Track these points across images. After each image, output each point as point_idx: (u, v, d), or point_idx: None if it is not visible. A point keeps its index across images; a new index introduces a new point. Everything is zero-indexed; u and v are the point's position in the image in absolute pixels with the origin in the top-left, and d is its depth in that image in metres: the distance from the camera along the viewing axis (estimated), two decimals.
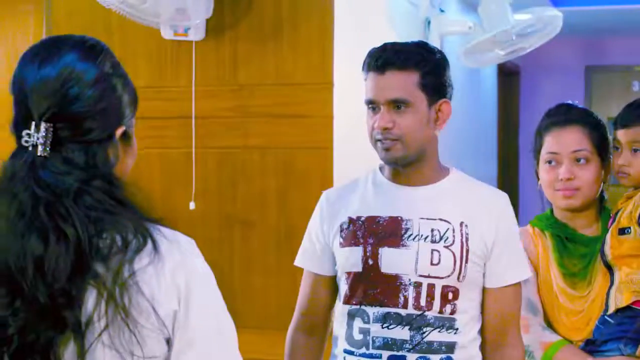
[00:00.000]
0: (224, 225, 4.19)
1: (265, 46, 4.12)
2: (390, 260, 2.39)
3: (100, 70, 1.61)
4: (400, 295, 2.37)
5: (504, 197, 2.50)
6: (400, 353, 2.36)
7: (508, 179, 8.07)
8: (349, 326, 2.44)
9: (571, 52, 8.95)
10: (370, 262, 2.40)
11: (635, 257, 2.57)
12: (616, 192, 2.80)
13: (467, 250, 2.38)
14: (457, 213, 2.41)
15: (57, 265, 1.48)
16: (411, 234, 2.39)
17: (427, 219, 2.40)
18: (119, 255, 1.52)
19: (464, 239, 2.39)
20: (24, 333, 1.49)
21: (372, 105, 2.42)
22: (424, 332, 2.36)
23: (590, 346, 2.63)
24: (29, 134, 1.57)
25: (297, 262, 2.61)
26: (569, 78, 8.98)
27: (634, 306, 2.56)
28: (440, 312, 2.37)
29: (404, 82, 2.38)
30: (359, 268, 2.42)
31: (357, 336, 2.41)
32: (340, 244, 2.47)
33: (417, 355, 2.36)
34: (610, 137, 2.78)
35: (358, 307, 2.42)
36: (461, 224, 2.40)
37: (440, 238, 2.38)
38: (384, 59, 2.40)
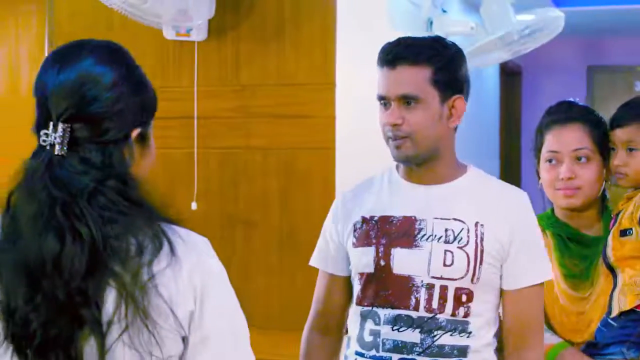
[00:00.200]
0: (226, 226, 4.20)
1: (267, 46, 4.12)
2: (402, 261, 2.33)
3: (117, 74, 1.65)
4: (412, 297, 2.31)
5: (522, 196, 2.41)
6: (410, 356, 2.30)
7: (510, 178, 8.06)
8: (361, 327, 2.39)
9: (573, 52, 8.95)
10: (382, 262, 2.35)
11: (638, 259, 2.53)
12: (618, 192, 2.75)
13: (482, 251, 2.31)
14: (473, 212, 2.34)
15: (73, 264, 1.53)
16: (424, 234, 2.33)
17: (441, 218, 2.34)
18: (137, 257, 1.56)
19: (478, 240, 2.32)
20: (46, 329, 1.53)
21: (383, 101, 2.37)
22: (435, 336, 2.30)
23: (591, 349, 2.59)
24: (46, 134, 1.61)
25: (312, 262, 2.58)
26: (571, 78, 8.98)
27: (637, 309, 2.51)
28: (453, 314, 2.30)
29: (414, 78, 2.32)
30: (371, 269, 2.37)
31: (368, 338, 2.36)
32: (354, 244, 2.42)
33: (428, 358, 2.29)
34: None
35: (370, 308, 2.37)
36: (476, 223, 2.33)
37: (454, 238, 2.32)
38: (394, 53, 2.34)
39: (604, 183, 2.74)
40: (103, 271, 1.55)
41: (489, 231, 2.32)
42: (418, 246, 2.33)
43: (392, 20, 3.84)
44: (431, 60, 2.32)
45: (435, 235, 2.33)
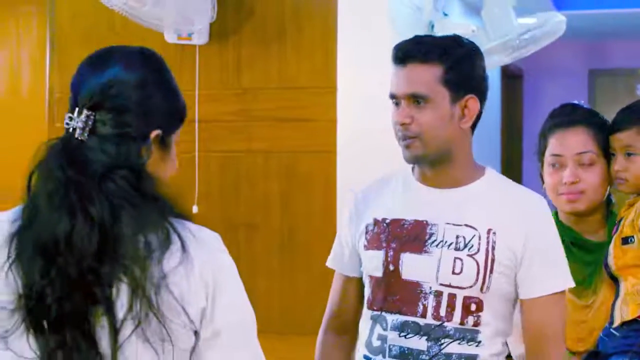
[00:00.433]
0: (227, 229, 4.19)
1: (268, 50, 4.12)
2: (411, 266, 2.28)
3: (144, 77, 1.76)
4: (420, 303, 2.26)
5: (539, 201, 2.33)
6: None
7: None
8: (371, 331, 2.34)
9: (575, 56, 8.95)
10: (391, 267, 2.30)
11: None
12: (624, 196, 2.69)
13: (493, 260, 2.24)
14: (486, 219, 2.27)
15: (84, 243, 1.60)
16: (435, 240, 2.27)
17: (453, 224, 2.28)
18: (145, 252, 1.63)
19: (489, 248, 2.24)
20: (61, 304, 1.60)
21: (395, 99, 2.30)
22: (442, 344, 2.24)
23: (593, 359, 2.54)
24: (70, 117, 1.72)
25: (328, 263, 2.53)
26: (573, 81, 8.98)
27: None
28: (462, 323, 2.24)
29: (424, 76, 2.25)
30: (380, 273, 2.32)
31: (376, 342, 2.32)
32: (365, 246, 2.37)
33: None
34: None
35: (379, 313, 2.32)
36: (488, 231, 2.25)
37: (465, 246, 2.25)
38: (405, 50, 2.28)
39: (608, 187, 2.67)
40: (114, 257, 1.62)
41: (501, 239, 2.25)
42: (428, 252, 2.27)
43: (394, 23, 3.84)
44: (442, 58, 2.25)
45: (446, 242, 2.27)
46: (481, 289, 2.24)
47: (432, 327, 2.25)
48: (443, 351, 2.24)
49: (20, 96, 5.11)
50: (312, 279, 3.98)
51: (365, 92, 3.96)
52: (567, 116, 2.69)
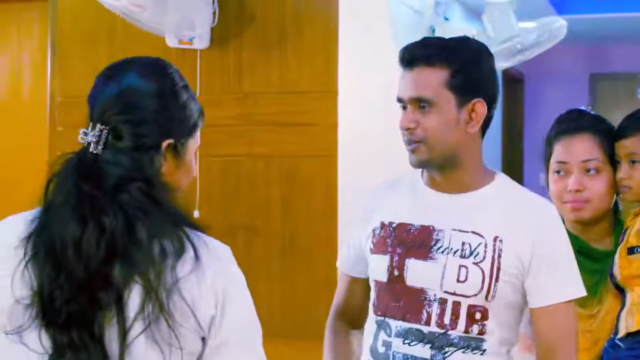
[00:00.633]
0: (228, 233, 4.19)
1: (269, 54, 4.13)
2: (416, 272, 2.23)
3: (156, 87, 1.81)
4: (424, 311, 2.22)
5: (548, 208, 2.28)
6: None
7: None
8: (375, 337, 2.30)
9: (576, 60, 8.95)
10: (396, 272, 2.25)
11: None
12: (632, 204, 2.61)
13: (498, 269, 2.18)
14: (493, 226, 2.21)
15: (91, 249, 1.66)
16: (441, 246, 2.22)
17: (460, 230, 2.22)
18: (160, 258, 1.68)
19: (495, 256, 2.19)
20: (69, 306, 1.66)
21: (401, 103, 2.24)
22: (446, 352, 2.19)
23: None
24: (85, 132, 1.78)
25: (337, 264, 2.50)
26: (574, 86, 8.98)
27: None
28: (466, 331, 2.19)
29: (428, 80, 2.19)
30: (384, 278, 2.28)
31: (380, 349, 2.28)
32: (371, 250, 2.33)
33: None
34: None
35: (383, 318, 2.28)
36: (495, 238, 2.20)
37: (470, 253, 2.20)
38: (411, 53, 2.23)
39: (615, 195, 2.61)
40: (128, 263, 1.67)
41: (508, 247, 2.19)
42: (433, 258, 2.23)
43: (394, 28, 3.84)
44: (448, 61, 2.20)
45: (452, 249, 2.22)
46: (486, 298, 2.19)
47: (436, 335, 2.21)
48: (447, 359, 2.20)
49: (21, 100, 5.12)
50: (313, 282, 3.98)
51: (366, 96, 3.96)
52: (573, 122, 2.62)
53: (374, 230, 2.34)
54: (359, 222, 2.42)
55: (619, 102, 8.62)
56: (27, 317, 1.68)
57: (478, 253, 2.20)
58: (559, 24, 4.15)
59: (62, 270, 1.67)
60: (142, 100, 1.79)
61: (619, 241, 2.53)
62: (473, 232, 2.22)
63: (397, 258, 2.26)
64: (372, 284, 2.35)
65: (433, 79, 2.19)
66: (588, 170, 2.56)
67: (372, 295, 2.35)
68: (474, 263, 2.19)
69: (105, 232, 1.67)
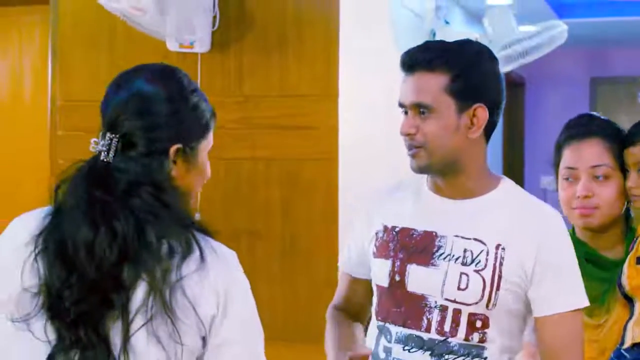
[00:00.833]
0: (230, 236, 4.16)
1: (270, 58, 4.13)
2: (417, 278, 2.21)
3: (163, 93, 1.85)
4: (424, 317, 2.20)
5: (553, 216, 2.24)
6: None
7: None
8: (377, 342, 2.28)
9: (576, 64, 8.96)
10: (397, 278, 2.24)
11: None
12: None
13: (500, 277, 2.16)
14: (496, 233, 2.18)
15: (104, 252, 1.71)
16: (442, 253, 2.20)
17: (462, 237, 2.20)
18: (167, 257, 1.73)
19: (497, 264, 2.16)
20: (78, 306, 1.71)
21: (403, 108, 2.22)
22: (446, 359, 2.18)
23: None
24: (96, 142, 1.83)
25: (339, 264, 2.49)
26: (574, 89, 8.99)
27: None
28: (466, 339, 2.17)
29: (428, 85, 2.17)
30: (385, 283, 2.26)
31: (381, 354, 2.26)
32: (374, 253, 2.31)
33: None
34: None
35: (383, 324, 2.27)
36: (497, 246, 2.17)
37: (472, 261, 2.17)
38: (411, 58, 2.21)
39: (626, 202, 2.53)
40: (137, 263, 1.72)
41: (510, 255, 2.17)
42: (434, 265, 2.20)
43: (395, 31, 3.85)
44: (447, 66, 2.17)
45: (453, 256, 2.19)
46: (487, 306, 2.17)
47: (436, 342, 2.19)
48: None
49: (22, 103, 5.13)
50: (313, 285, 3.98)
51: (367, 99, 3.97)
52: (582, 127, 2.56)
53: (376, 234, 2.32)
54: (360, 224, 2.41)
55: (619, 106, 8.62)
56: (34, 305, 1.73)
57: (479, 261, 2.17)
58: (560, 28, 4.16)
59: (74, 272, 1.72)
60: (150, 106, 1.83)
61: (629, 249, 2.47)
62: (475, 239, 2.19)
63: (398, 263, 2.25)
64: (374, 288, 2.34)
65: (433, 84, 2.17)
66: (597, 177, 2.50)
67: (375, 299, 2.34)
68: (475, 271, 2.17)
69: (117, 236, 1.72)
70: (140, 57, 4.30)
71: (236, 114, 4.18)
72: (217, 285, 1.77)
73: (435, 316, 2.19)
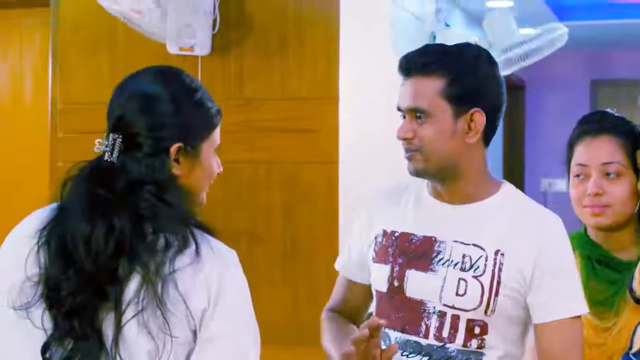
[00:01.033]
0: (230, 239, 4.16)
1: (270, 61, 4.13)
2: (416, 284, 2.20)
3: (164, 93, 1.89)
4: (423, 323, 2.18)
5: (553, 221, 2.21)
6: None
7: None
8: None
9: (577, 66, 8.97)
10: (396, 283, 2.22)
11: None
12: None
13: (499, 283, 2.14)
14: (495, 238, 2.17)
15: (100, 246, 1.76)
16: (441, 258, 2.19)
17: (461, 242, 2.19)
18: (163, 251, 1.77)
19: (496, 269, 2.14)
20: (74, 296, 1.76)
21: (401, 112, 2.22)
22: None
23: None
24: (100, 142, 1.88)
25: (336, 264, 2.46)
26: (575, 92, 8.99)
27: None
28: (465, 345, 2.15)
29: (423, 90, 2.16)
30: (384, 288, 2.25)
31: None
32: (373, 258, 2.30)
33: None
34: None
35: (382, 329, 2.19)
36: (496, 252, 2.16)
37: (471, 267, 2.16)
38: (408, 62, 2.21)
39: (639, 202, 2.45)
40: (133, 257, 1.76)
41: (509, 261, 2.15)
42: (433, 270, 2.19)
43: (395, 34, 3.85)
44: (444, 70, 2.16)
45: (452, 261, 2.18)
46: (485, 312, 2.15)
47: (434, 347, 2.18)
48: None
49: (23, 106, 5.13)
50: (314, 287, 3.98)
51: (367, 103, 3.97)
52: (595, 124, 2.49)
53: (376, 238, 2.32)
54: (360, 227, 2.40)
55: (620, 108, 8.54)
56: (34, 294, 1.79)
57: (478, 266, 2.16)
58: (560, 31, 4.16)
59: (72, 264, 1.78)
60: (152, 105, 1.88)
61: None
62: (474, 245, 2.18)
63: (397, 268, 2.24)
64: (374, 293, 2.33)
65: (429, 89, 2.16)
66: (608, 174, 2.42)
67: (373, 305, 2.33)
68: (474, 276, 2.16)
69: (114, 231, 1.77)
70: (141, 60, 4.30)
71: (237, 117, 4.18)
72: (210, 280, 1.79)
73: (434, 322, 2.18)
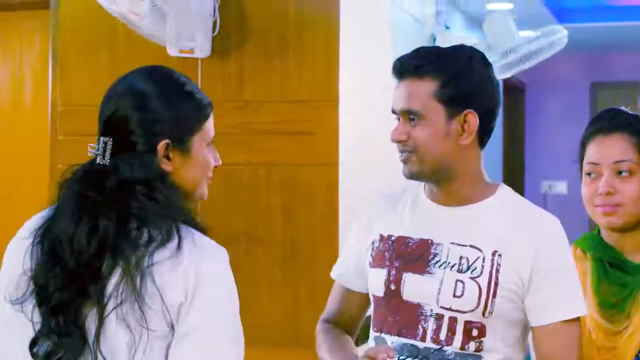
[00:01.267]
0: (229, 241, 4.17)
1: (270, 63, 4.13)
2: (413, 287, 2.19)
3: (150, 91, 1.91)
4: (420, 326, 2.17)
5: (551, 222, 2.21)
6: None
7: None
8: None
9: (576, 69, 8.97)
10: (393, 287, 2.21)
11: None
12: None
13: (496, 284, 2.13)
14: (492, 239, 2.16)
15: (82, 244, 1.81)
16: (438, 261, 2.18)
17: (458, 244, 2.18)
18: (144, 246, 1.80)
19: (493, 270, 2.13)
20: (60, 293, 1.81)
21: (395, 115, 2.23)
22: None
23: None
24: (92, 146, 1.91)
25: (332, 274, 2.45)
26: (575, 94, 9.00)
27: None
28: (462, 348, 2.14)
29: (416, 92, 2.17)
30: (381, 292, 2.24)
31: None
32: (370, 263, 2.29)
33: None
34: None
35: (379, 334, 2.24)
36: (494, 253, 2.15)
37: (468, 268, 2.15)
38: (402, 65, 2.21)
39: None
40: (116, 252, 1.80)
41: (507, 262, 2.14)
42: (430, 273, 2.18)
43: (395, 36, 3.85)
44: (436, 72, 2.17)
45: (449, 263, 2.17)
46: (483, 313, 2.14)
47: (431, 351, 2.16)
48: None
49: (23, 108, 5.13)
50: (314, 289, 3.97)
51: (367, 105, 3.97)
52: (607, 121, 2.43)
53: (373, 243, 2.31)
54: (358, 232, 2.39)
55: None
56: (27, 288, 1.85)
57: (475, 268, 2.15)
58: (560, 33, 4.16)
59: (58, 263, 1.82)
60: (143, 102, 1.90)
61: None
62: (471, 246, 2.18)
63: (394, 272, 2.23)
64: (371, 299, 2.32)
65: (421, 91, 2.17)
66: (620, 172, 2.36)
67: (371, 311, 2.32)
68: (471, 278, 2.15)
69: (99, 229, 1.81)
70: (141, 62, 4.28)
71: (236, 119, 4.18)
72: (187, 274, 1.80)
73: (431, 325, 2.17)
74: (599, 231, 2.46)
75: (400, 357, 2.18)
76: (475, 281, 2.15)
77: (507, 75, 4.38)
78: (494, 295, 2.14)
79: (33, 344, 1.83)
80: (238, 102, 4.17)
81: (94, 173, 1.88)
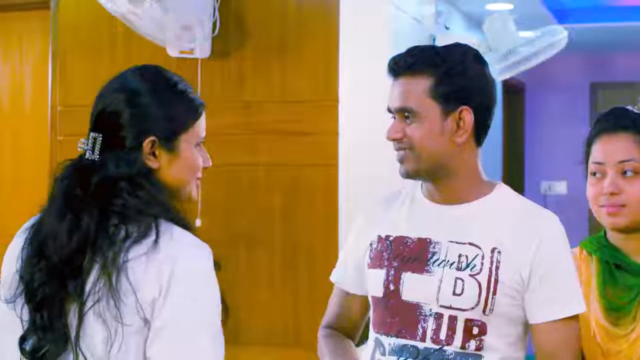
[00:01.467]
0: (230, 242, 4.19)
1: (270, 64, 4.13)
2: (412, 286, 2.18)
3: (140, 89, 1.94)
4: (419, 326, 2.16)
5: (550, 220, 2.20)
6: None
7: None
8: (372, 356, 2.24)
9: (576, 69, 8.97)
10: (392, 287, 2.21)
11: None
12: None
13: (496, 281, 2.12)
14: (491, 237, 2.16)
15: (63, 240, 1.84)
16: (437, 259, 2.17)
17: (456, 242, 2.17)
18: (121, 242, 1.82)
19: (493, 268, 2.13)
20: (43, 288, 1.84)
21: (391, 114, 2.25)
22: None
23: None
24: (82, 142, 1.95)
25: (332, 277, 2.45)
26: (574, 95, 8.99)
27: None
28: (463, 347, 2.13)
29: (411, 89, 2.18)
30: (380, 293, 2.23)
31: None
32: (368, 264, 2.29)
33: None
34: None
35: (378, 335, 2.23)
36: (493, 250, 2.14)
37: (467, 266, 2.14)
38: (396, 63, 2.22)
39: None
40: (95, 249, 1.83)
41: (506, 259, 2.14)
42: (429, 272, 2.17)
43: (395, 37, 3.85)
44: (431, 70, 2.17)
45: (448, 261, 2.16)
46: (483, 311, 2.13)
47: (432, 351, 2.15)
48: None
49: (23, 109, 5.13)
50: (314, 292, 3.97)
51: (367, 105, 3.97)
52: (613, 121, 2.40)
53: (371, 244, 2.31)
54: (358, 232, 2.39)
55: None
56: (17, 286, 1.89)
57: (475, 265, 2.15)
58: (561, 35, 4.17)
59: (43, 258, 1.86)
60: (133, 98, 1.93)
61: None
62: (470, 244, 2.17)
63: (392, 272, 2.22)
64: (370, 300, 2.31)
65: (416, 89, 2.18)
66: (625, 172, 2.33)
67: (371, 312, 2.31)
68: (471, 275, 2.14)
69: (81, 226, 1.84)
70: (141, 62, 4.27)
71: (236, 120, 4.18)
72: (161, 270, 1.81)
73: (431, 324, 2.16)
74: (605, 233, 2.44)
75: (400, 358, 2.18)
76: (475, 279, 2.14)
77: (508, 75, 4.38)
78: (494, 293, 2.13)
79: (22, 340, 1.86)
80: (238, 102, 4.17)
81: (82, 169, 1.91)
